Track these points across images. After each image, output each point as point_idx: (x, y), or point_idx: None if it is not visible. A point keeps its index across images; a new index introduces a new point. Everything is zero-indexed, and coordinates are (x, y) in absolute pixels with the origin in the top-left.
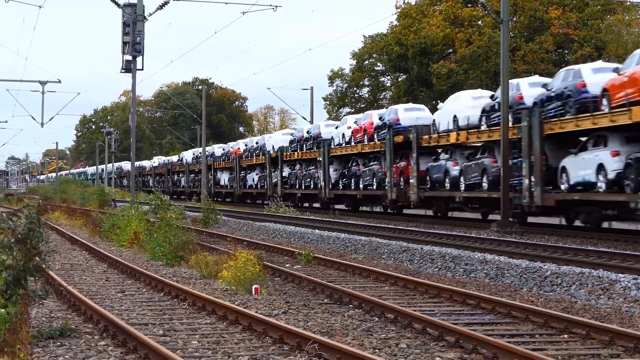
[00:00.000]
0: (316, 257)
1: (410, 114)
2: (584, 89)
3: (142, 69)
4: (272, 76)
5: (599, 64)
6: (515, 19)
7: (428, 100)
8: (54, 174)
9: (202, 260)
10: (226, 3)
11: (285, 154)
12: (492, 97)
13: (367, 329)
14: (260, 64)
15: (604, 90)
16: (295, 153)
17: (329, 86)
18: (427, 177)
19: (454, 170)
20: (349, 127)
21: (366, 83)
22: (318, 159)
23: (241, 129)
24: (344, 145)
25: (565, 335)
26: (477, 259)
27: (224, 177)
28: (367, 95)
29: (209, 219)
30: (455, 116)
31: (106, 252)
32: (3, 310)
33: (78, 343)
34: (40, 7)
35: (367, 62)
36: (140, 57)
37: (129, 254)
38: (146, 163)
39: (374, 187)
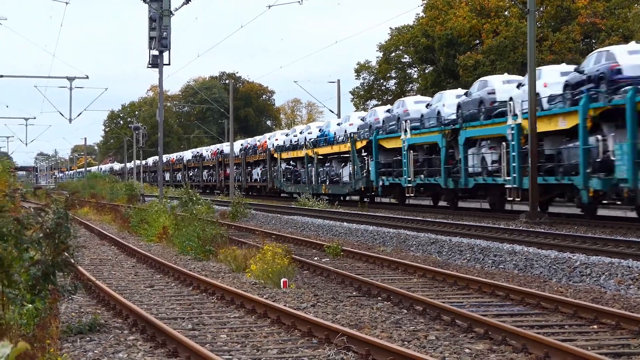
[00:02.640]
0: (344, 250)
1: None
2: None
3: (169, 64)
4: (299, 69)
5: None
6: (542, 9)
7: None
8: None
9: (231, 254)
10: None
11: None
12: (427, 105)
13: (395, 321)
14: (286, 58)
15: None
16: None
17: (356, 79)
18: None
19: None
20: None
21: (393, 75)
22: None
23: (269, 122)
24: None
25: (595, 326)
26: (506, 250)
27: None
28: (394, 87)
29: (237, 212)
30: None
31: (135, 246)
32: (31, 305)
33: (107, 338)
34: (67, 3)
35: (393, 54)
36: (167, 52)
37: (158, 249)
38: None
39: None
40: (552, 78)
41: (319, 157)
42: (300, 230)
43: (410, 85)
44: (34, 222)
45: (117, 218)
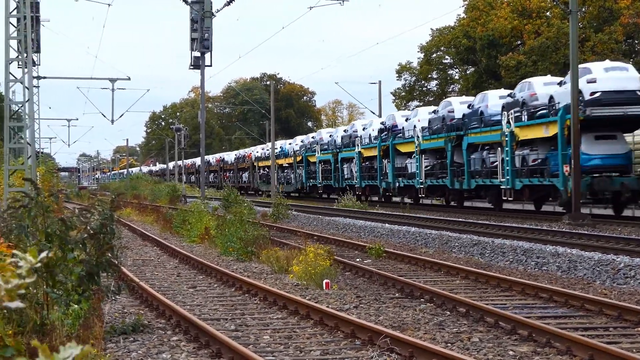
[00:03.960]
0: (386, 251)
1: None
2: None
3: (210, 65)
4: (340, 70)
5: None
6: (584, 9)
7: None
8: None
9: (273, 255)
10: None
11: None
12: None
13: (438, 323)
14: (327, 59)
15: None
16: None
17: (397, 80)
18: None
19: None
20: None
21: (434, 76)
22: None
23: (309, 123)
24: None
25: None
26: (549, 252)
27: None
28: (435, 89)
29: (279, 213)
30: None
31: (177, 247)
32: (77, 306)
33: (151, 338)
34: (109, 5)
35: (435, 55)
36: (209, 53)
37: (200, 250)
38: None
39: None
40: (376, 125)
41: (279, 165)
42: (342, 232)
43: (452, 86)
44: (78, 223)
45: (159, 219)
